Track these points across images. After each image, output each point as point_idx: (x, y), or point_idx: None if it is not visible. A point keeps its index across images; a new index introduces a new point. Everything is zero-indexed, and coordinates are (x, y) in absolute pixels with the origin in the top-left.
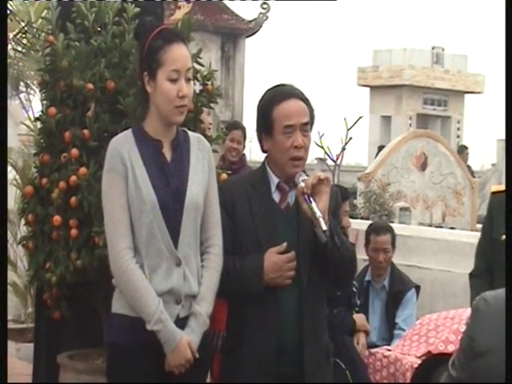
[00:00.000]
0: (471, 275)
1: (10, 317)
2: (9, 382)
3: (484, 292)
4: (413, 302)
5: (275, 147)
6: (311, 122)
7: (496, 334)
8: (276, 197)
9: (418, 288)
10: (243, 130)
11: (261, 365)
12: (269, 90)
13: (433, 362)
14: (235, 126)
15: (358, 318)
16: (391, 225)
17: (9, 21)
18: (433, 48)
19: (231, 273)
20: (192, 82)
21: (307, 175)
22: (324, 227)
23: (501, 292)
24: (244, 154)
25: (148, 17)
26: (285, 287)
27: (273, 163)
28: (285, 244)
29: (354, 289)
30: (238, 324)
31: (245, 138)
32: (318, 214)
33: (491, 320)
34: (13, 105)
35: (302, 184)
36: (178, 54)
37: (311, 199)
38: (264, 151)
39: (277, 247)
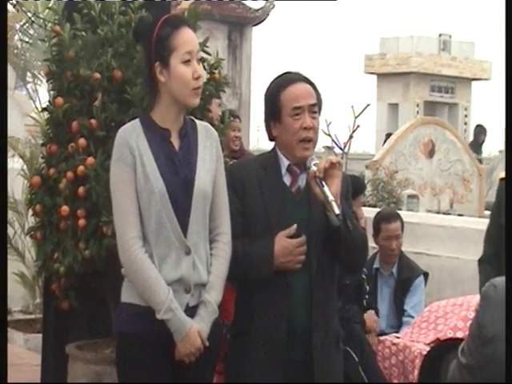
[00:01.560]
0: (480, 261)
1: (18, 307)
2: (18, 372)
3: (492, 278)
4: (421, 289)
5: (284, 131)
6: (319, 106)
7: (505, 320)
8: (287, 180)
9: (426, 275)
10: (239, 117)
11: (270, 348)
12: (275, 78)
13: (442, 349)
14: (233, 114)
15: (368, 317)
16: (399, 212)
17: (15, 11)
18: (440, 35)
19: (241, 257)
20: (201, 65)
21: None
22: (337, 211)
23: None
24: (241, 140)
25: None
26: (295, 271)
27: (283, 148)
28: (294, 226)
29: (364, 275)
30: (248, 307)
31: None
32: (331, 197)
33: (501, 306)
34: (20, 95)
35: (314, 168)
36: (188, 37)
37: (323, 183)
38: (271, 139)
39: (286, 230)
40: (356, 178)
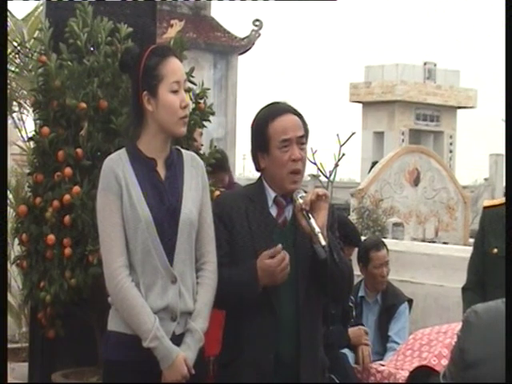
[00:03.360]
0: (463, 289)
1: None
2: None
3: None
4: (405, 315)
5: (273, 163)
6: (306, 136)
7: (486, 345)
8: (273, 211)
9: (410, 301)
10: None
11: (258, 378)
12: (262, 108)
13: (423, 374)
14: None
15: (354, 332)
16: (384, 240)
17: None
18: (425, 63)
19: (226, 283)
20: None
21: (305, 192)
22: (323, 243)
23: (491, 304)
24: (231, 173)
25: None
26: (282, 287)
27: (270, 180)
28: (279, 246)
29: (351, 303)
30: (236, 337)
31: None
32: (317, 229)
33: (482, 332)
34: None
35: (301, 200)
36: (176, 66)
37: (310, 215)
38: (258, 170)
39: (269, 251)
40: (354, 231)
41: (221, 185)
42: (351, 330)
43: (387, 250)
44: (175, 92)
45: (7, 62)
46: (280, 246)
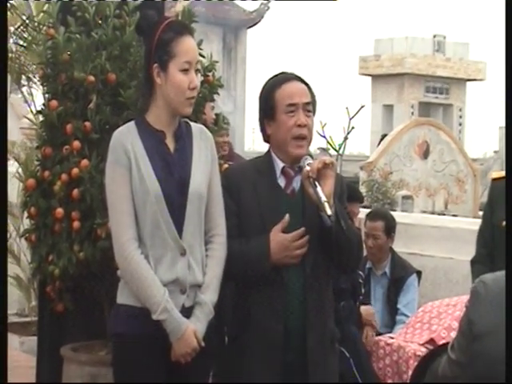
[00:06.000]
0: (472, 262)
1: (13, 310)
2: (13, 375)
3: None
4: (414, 287)
5: (278, 129)
6: (313, 106)
7: (495, 316)
8: (281, 182)
9: (419, 273)
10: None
11: (266, 350)
12: (270, 78)
13: (437, 352)
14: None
15: (366, 310)
16: (393, 213)
17: (10, 15)
18: (434, 36)
19: (237, 256)
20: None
21: (312, 158)
22: (329, 212)
23: (499, 275)
24: (230, 143)
25: (149, 10)
26: (292, 266)
27: (277, 147)
28: (287, 217)
29: (361, 280)
30: (245, 310)
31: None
32: (323, 198)
33: (490, 302)
34: (15, 98)
35: (308, 168)
36: (190, 46)
37: (316, 183)
38: (266, 140)
39: (279, 224)
40: (354, 189)
41: (222, 140)
42: (363, 308)
43: (387, 224)
44: (185, 71)
45: (7, 59)
46: (287, 216)
